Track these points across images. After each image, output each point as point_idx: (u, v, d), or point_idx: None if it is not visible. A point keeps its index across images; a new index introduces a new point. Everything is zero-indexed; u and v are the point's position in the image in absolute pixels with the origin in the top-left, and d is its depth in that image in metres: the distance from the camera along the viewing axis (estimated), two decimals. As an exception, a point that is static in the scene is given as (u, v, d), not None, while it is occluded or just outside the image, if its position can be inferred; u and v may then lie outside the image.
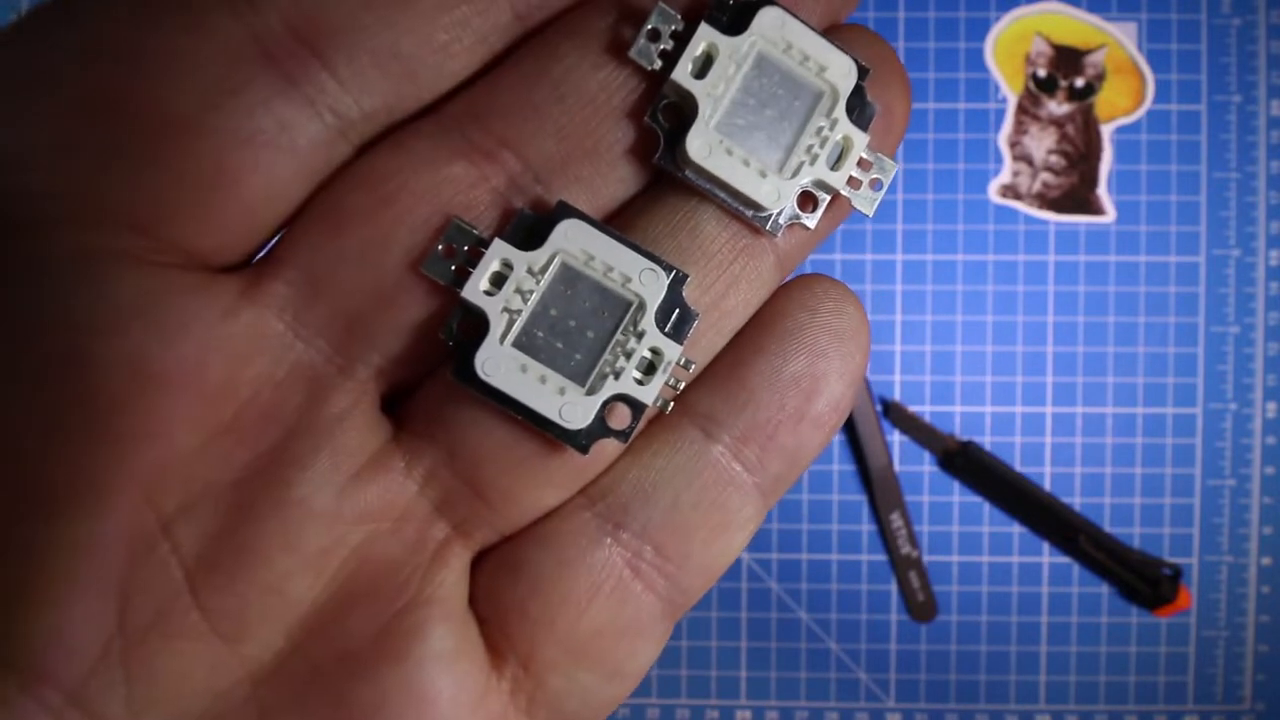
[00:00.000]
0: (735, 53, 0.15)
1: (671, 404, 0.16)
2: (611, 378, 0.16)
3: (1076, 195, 0.47)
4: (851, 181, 0.16)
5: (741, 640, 0.47)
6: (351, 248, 0.15)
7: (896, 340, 0.48)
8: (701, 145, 0.15)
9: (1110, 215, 0.47)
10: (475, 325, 0.15)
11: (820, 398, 0.17)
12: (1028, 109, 0.48)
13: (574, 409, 0.16)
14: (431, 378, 0.16)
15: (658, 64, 0.15)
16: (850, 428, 0.47)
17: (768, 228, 0.16)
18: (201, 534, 0.15)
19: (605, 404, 0.16)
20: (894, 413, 0.47)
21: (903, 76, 0.17)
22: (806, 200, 0.16)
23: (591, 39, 0.15)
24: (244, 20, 0.14)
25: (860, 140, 0.16)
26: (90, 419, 0.14)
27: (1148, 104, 0.47)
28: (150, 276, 0.14)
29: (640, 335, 0.16)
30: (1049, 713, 0.47)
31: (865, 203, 0.16)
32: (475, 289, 0.15)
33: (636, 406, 0.16)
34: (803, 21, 0.16)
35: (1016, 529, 0.47)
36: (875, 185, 0.16)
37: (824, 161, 0.16)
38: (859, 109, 0.16)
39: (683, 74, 0.15)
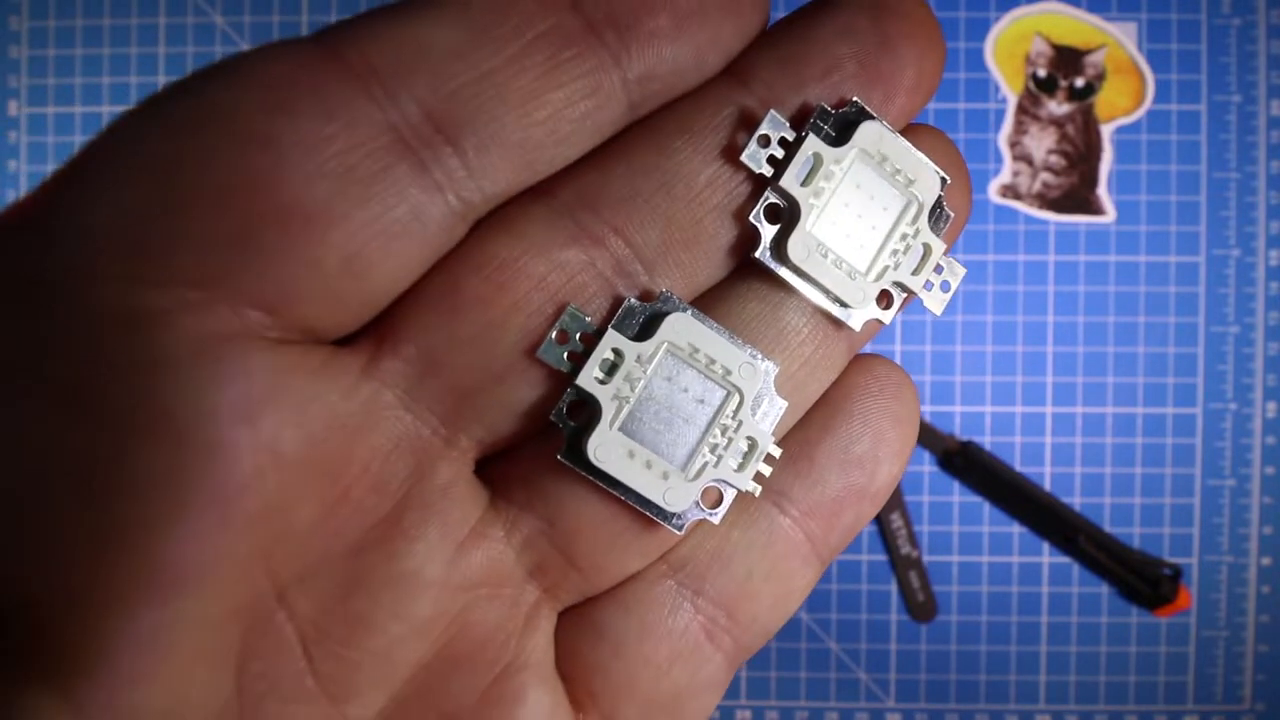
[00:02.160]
0: (838, 163, 0.17)
1: (760, 489, 0.17)
2: (711, 465, 0.17)
3: (1076, 195, 0.47)
4: (926, 283, 0.18)
5: (741, 640, 0.47)
6: (468, 331, 0.15)
7: (897, 340, 0.48)
8: (802, 249, 0.17)
9: (1110, 215, 0.47)
10: (583, 408, 0.16)
11: (880, 477, 0.18)
12: (1028, 109, 0.48)
13: (677, 494, 0.17)
14: (528, 447, 0.17)
15: (767, 170, 0.16)
16: (850, 428, 0.47)
17: (850, 322, 0.18)
18: (317, 603, 0.15)
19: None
20: (894, 413, 0.47)
21: (968, 181, 0.18)
22: (883, 297, 0.18)
23: (704, 137, 0.16)
24: (382, 108, 0.14)
25: (939, 248, 0.18)
26: (217, 501, 0.14)
27: (1148, 104, 0.47)
28: (278, 357, 0.14)
29: (739, 425, 0.17)
30: (1049, 713, 0.47)
31: (935, 303, 0.18)
32: (589, 377, 0.16)
33: (730, 489, 0.17)
34: (896, 133, 0.17)
35: (1016, 529, 0.47)
36: (944, 286, 0.18)
37: (906, 267, 0.18)
38: (937, 216, 0.18)
39: (790, 181, 0.17)
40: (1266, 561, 0.47)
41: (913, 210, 0.17)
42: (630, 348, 0.16)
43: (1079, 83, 0.48)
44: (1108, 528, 0.47)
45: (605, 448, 0.16)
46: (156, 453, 0.14)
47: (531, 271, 0.16)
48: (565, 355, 0.16)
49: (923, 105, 0.17)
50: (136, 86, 0.48)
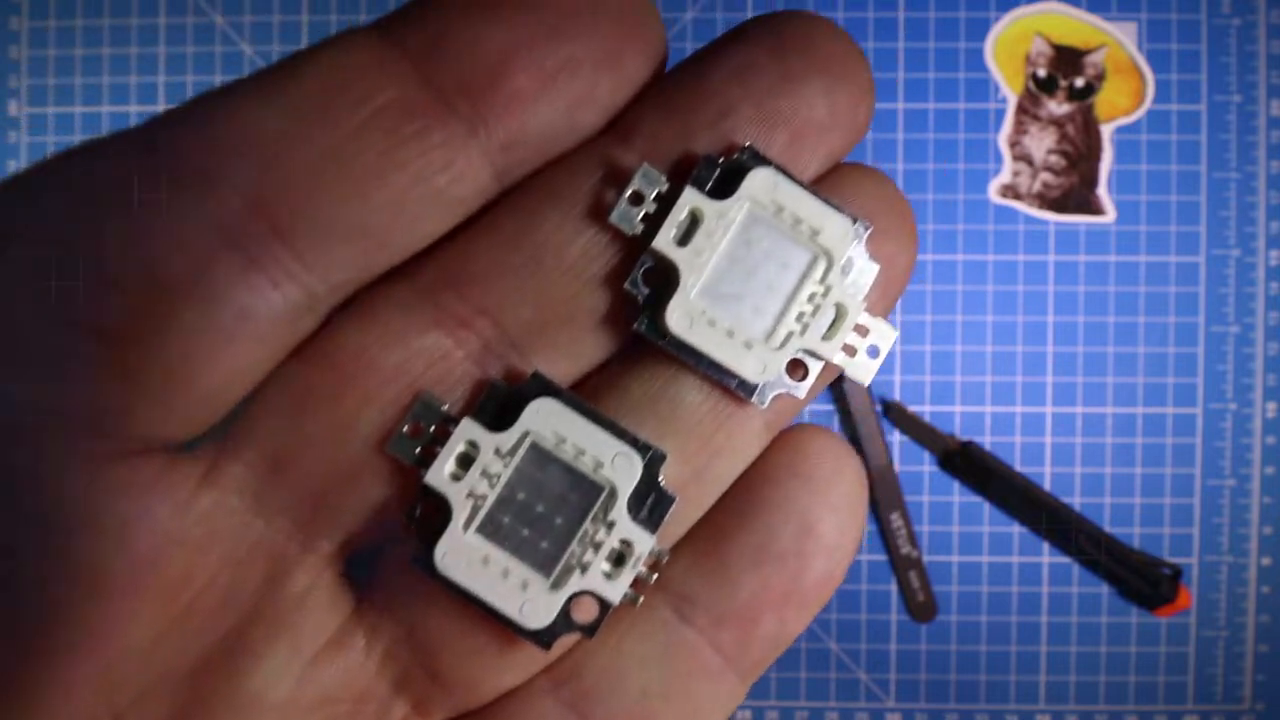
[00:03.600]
0: (722, 217, 0.15)
1: (642, 598, 0.15)
2: (578, 571, 0.15)
3: (1076, 195, 0.47)
4: (846, 349, 0.15)
5: (741, 640, 0.47)
6: (316, 429, 0.14)
7: (896, 340, 0.47)
8: (681, 317, 0.15)
9: (1110, 215, 0.47)
10: (440, 507, 0.15)
11: (808, 575, 0.15)
12: (1028, 109, 0.48)
13: (535, 607, 0.15)
14: (396, 546, 0.15)
15: (639, 229, 0.14)
16: (850, 427, 0.47)
17: (753, 399, 0.15)
18: None
19: (569, 600, 0.15)
20: (894, 413, 0.47)
21: (909, 225, 0.16)
22: (796, 368, 0.15)
23: (574, 203, 0.14)
24: (200, 204, 0.13)
25: (854, 308, 0.15)
26: (39, 626, 0.13)
27: (1148, 104, 0.47)
28: (101, 474, 0.13)
29: (610, 525, 0.15)
30: (1049, 713, 0.47)
31: (861, 371, 0.15)
32: (440, 474, 0.14)
33: (604, 602, 0.15)
34: (796, 182, 0.15)
35: (1016, 529, 0.47)
36: (871, 351, 0.15)
37: (815, 331, 0.15)
38: (858, 269, 0.15)
39: (665, 241, 0.15)
40: (1266, 561, 0.47)
41: (820, 266, 0.15)
42: (487, 439, 0.14)
43: (1079, 83, 0.47)
44: (1108, 528, 0.47)
45: (453, 555, 0.14)
46: None
47: (384, 361, 0.14)
48: (417, 450, 0.14)
49: (848, 143, 0.15)
50: (136, 86, 0.48)
